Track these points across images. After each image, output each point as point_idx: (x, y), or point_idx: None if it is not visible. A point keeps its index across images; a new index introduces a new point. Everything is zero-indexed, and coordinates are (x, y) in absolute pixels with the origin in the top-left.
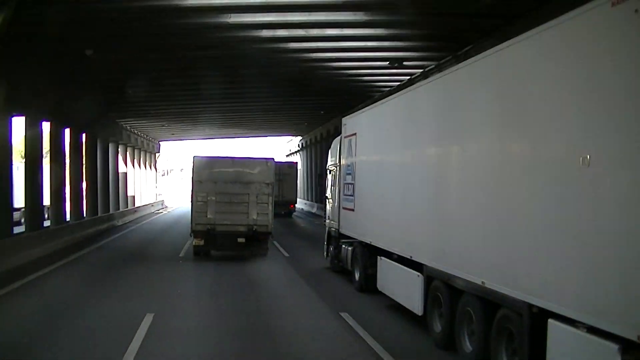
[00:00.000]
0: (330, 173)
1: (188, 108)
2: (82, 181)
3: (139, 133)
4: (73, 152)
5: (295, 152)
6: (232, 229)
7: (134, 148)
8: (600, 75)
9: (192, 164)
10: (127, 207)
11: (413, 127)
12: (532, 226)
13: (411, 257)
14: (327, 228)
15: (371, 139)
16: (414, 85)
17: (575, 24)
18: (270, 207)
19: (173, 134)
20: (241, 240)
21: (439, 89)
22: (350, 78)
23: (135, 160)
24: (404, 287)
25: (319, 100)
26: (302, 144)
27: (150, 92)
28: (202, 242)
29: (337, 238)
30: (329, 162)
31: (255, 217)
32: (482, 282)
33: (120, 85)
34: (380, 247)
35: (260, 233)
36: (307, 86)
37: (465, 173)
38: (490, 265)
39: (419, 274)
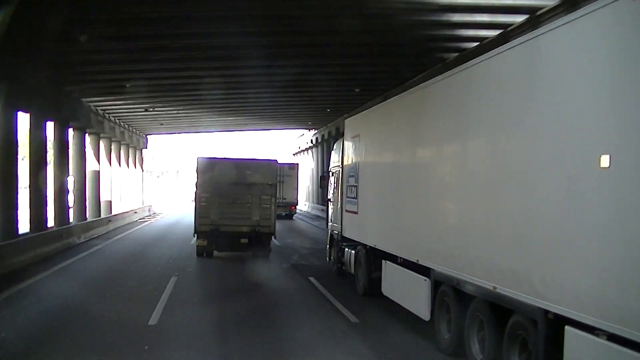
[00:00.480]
0: (332, 175)
1: (179, 86)
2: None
3: (117, 121)
4: (6, 139)
5: (307, 149)
6: (235, 229)
7: (110, 140)
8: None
9: (195, 165)
10: (99, 215)
11: (422, 126)
12: (548, 228)
13: (417, 260)
14: (329, 231)
15: (376, 140)
16: (425, 83)
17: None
18: (272, 208)
19: (162, 124)
20: (244, 240)
21: (454, 85)
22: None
23: (112, 156)
24: (410, 292)
25: (354, 70)
26: (316, 139)
27: (122, 56)
28: (205, 243)
29: (339, 241)
30: (331, 164)
31: (258, 218)
32: (494, 287)
33: (75, 43)
34: (384, 250)
35: (262, 234)
36: (342, 44)
37: (476, 173)
38: (503, 270)
39: (425, 278)
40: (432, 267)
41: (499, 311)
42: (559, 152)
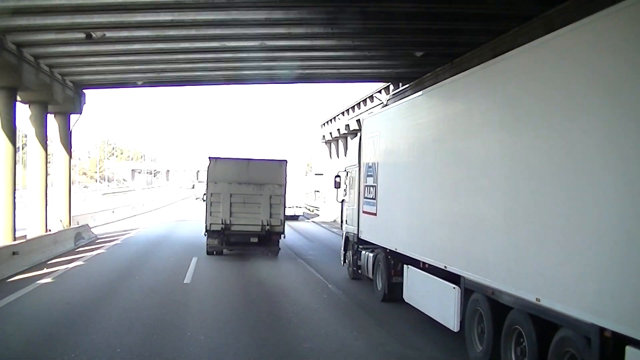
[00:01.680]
0: (347, 175)
1: None
2: None
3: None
4: None
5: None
6: (245, 228)
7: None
8: None
9: (207, 164)
10: None
11: (460, 119)
12: (608, 234)
13: (445, 267)
14: (344, 233)
15: (399, 137)
16: (472, 70)
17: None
18: (282, 208)
19: (118, 71)
20: (254, 240)
21: (497, 74)
22: None
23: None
24: (436, 300)
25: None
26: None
27: None
28: (215, 242)
29: (356, 244)
30: (347, 164)
31: (268, 217)
32: (537, 298)
33: None
34: (407, 255)
35: (272, 233)
36: None
37: (518, 170)
38: (549, 280)
39: (454, 286)
40: (462, 275)
41: (543, 325)
42: (617, 148)
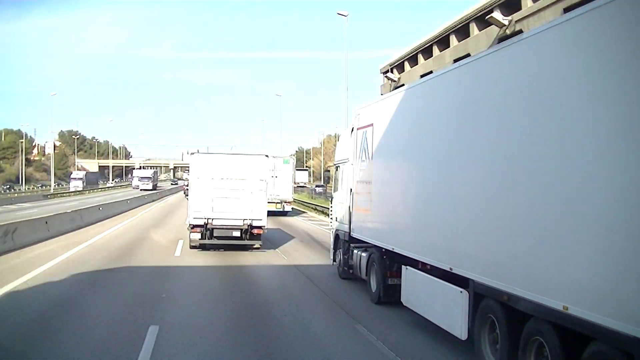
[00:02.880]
0: (338, 170)
1: None
2: None
3: None
4: None
5: None
6: (228, 222)
7: None
8: None
9: (190, 161)
10: None
11: (470, 107)
12: None
13: (451, 269)
14: (333, 230)
15: (395, 128)
16: (475, 55)
17: None
18: (264, 202)
19: None
20: (236, 234)
21: (513, 56)
22: None
23: None
24: (440, 305)
25: None
26: None
27: None
28: (198, 235)
29: (347, 242)
30: (337, 158)
31: (250, 211)
32: (565, 306)
33: None
34: (406, 255)
35: (254, 227)
36: None
37: (547, 157)
38: (579, 284)
39: (462, 289)
40: (471, 278)
41: (570, 337)
42: None
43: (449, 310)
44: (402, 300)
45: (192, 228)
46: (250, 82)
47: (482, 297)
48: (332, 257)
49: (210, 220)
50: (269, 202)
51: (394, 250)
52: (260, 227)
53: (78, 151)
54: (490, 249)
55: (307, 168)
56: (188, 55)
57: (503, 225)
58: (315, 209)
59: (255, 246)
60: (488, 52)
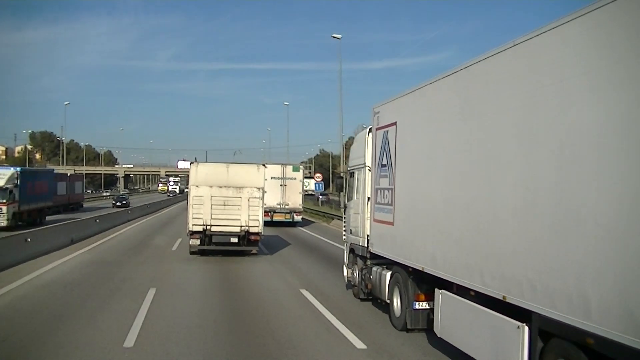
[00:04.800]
0: (352, 176)
1: None
2: None
3: None
4: None
5: None
6: (226, 229)
7: None
8: None
9: (189, 169)
10: None
11: (540, 95)
12: None
13: (504, 297)
14: (347, 244)
15: (430, 125)
16: (531, 33)
17: None
18: (260, 210)
19: None
20: (234, 240)
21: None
22: None
23: None
24: (488, 341)
25: None
26: None
27: None
28: (197, 242)
29: (364, 257)
30: (352, 163)
31: (247, 218)
32: None
33: None
34: (441, 277)
35: (251, 233)
36: None
37: None
38: None
39: (520, 324)
40: (534, 310)
41: None
42: None
43: (502, 350)
44: (435, 330)
45: (191, 234)
46: (251, 91)
47: (550, 336)
48: (345, 274)
49: (209, 227)
50: (276, 213)
51: (425, 271)
52: (257, 234)
53: (53, 156)
54: (569, 272)
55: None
56: (186, 66)
57: (588, 241)
58: (324, 216)
59: (252, 252)
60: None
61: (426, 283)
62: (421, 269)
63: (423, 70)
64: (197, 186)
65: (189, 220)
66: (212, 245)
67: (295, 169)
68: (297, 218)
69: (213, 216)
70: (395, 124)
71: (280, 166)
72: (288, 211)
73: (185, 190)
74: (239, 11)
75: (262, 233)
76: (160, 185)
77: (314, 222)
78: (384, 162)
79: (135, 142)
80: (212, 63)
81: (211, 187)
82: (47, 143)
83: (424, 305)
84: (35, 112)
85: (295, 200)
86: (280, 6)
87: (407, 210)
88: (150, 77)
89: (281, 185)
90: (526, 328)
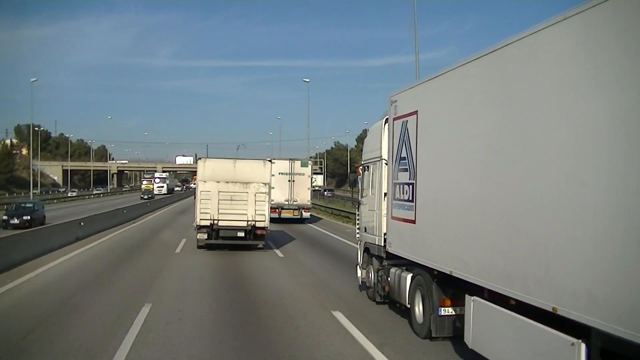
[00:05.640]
0: (367, 171)
1: None
2: None
3: None
4: None
5: None
6: (233, 223)
7: None
8: None
9: (197, 165)
10: None
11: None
12: None
13: (555, 309)
14: (361, 243)
15: (457, 113)
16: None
17: None
18: (267, 205)
19: None
20: (240, 234)
21: None
22: None
23: None
24: (534, 358)
25: None
26: None
27: None
28: (205, 236)
29: (380, 257)
30: (366, 157)
31: (253, 213)
32: None
33: None
34: (474, 282)
35: (258, 228)
36: None
37: None
38: None
39: (576, 340)
40: (594, 326)
41: None
42: None
43: None
44: (466, 341)
45: (199, 229)
46: (252, 88)
47: (613, 357)
48: (358, 275)
49: (216, 222)
50: (284, 209)
51: (453, 274)
52: (263, 229)
53: (41, 150)
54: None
55: (321, 171)
56: (187, 63)
57: None
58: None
59: (258, 246)
60: None
61: (452, 287)
62: (449, 273)
63: (421, 68)
64: (204, 181)
65: (196, 214)
66: (219, 240)
67: (304, 164)
68: (306, 215)
69: (220, 211)
70: (416, 112)
71: (288, 161)
72: (296, 207)
73: (176, 189)
74: (239, 8)
75: (268, 228)
76: (145, 182)
77: (321, 218)
78: (403, 154)
79: (134, 139)
80: (213, 60)
81: (218, 182)
82: (34, 137)
83: (450, 311)
84: (36, 109)
85: (304, 197)
86: (281, 3)
87: (430, 207)
88: (151, 74)
89: (289, 181)
90: (583, 346)
